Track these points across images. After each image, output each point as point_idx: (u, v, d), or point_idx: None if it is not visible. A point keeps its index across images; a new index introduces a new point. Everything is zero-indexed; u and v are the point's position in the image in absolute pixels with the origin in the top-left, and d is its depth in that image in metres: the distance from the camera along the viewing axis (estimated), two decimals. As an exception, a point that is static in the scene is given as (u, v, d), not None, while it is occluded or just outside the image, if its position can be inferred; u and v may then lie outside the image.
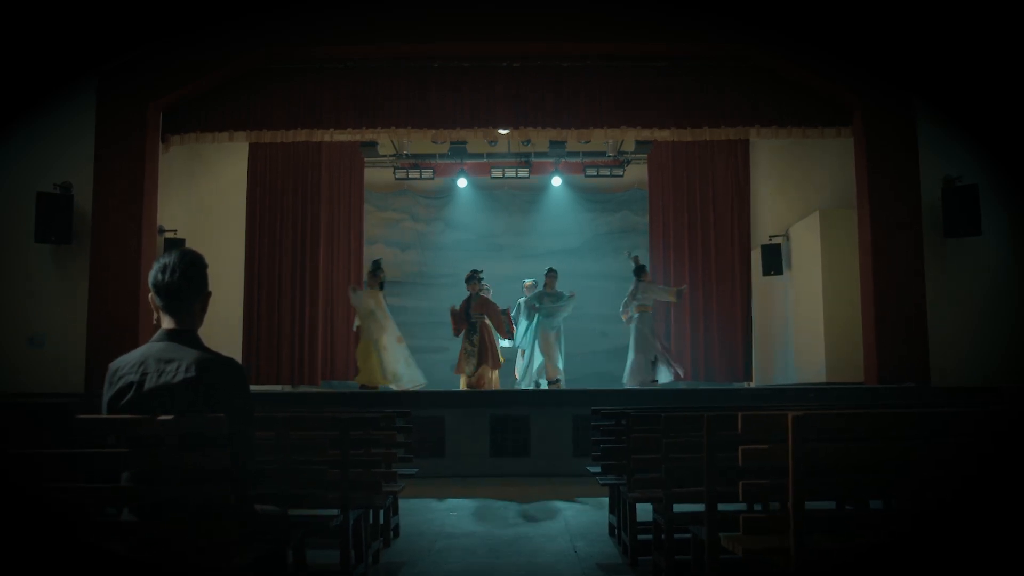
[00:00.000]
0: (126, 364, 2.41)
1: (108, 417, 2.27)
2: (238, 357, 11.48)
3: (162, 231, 10.99)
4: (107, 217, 9.08)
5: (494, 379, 10.38)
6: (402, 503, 5.95)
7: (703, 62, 9.81)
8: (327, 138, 10.46)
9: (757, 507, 4.15)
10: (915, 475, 2.37)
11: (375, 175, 13.14)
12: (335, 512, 3.51)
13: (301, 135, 9.91)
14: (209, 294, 2.55)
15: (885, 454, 2.28)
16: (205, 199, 12.02)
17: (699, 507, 3.81)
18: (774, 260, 11.74)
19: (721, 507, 2.98)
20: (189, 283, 2.46)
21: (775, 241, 11.81)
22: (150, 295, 2.49)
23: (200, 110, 9.77)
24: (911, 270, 9.15)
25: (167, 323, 2.48)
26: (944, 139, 9.31)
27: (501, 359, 10.49)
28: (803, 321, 11.35)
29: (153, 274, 2.47)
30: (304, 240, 12.13)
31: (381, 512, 4.77)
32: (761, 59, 9.61)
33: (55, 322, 9.01)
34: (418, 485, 7.31)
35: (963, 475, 2.41)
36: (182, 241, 11.16)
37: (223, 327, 11.53)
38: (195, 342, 2.45)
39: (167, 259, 2.48)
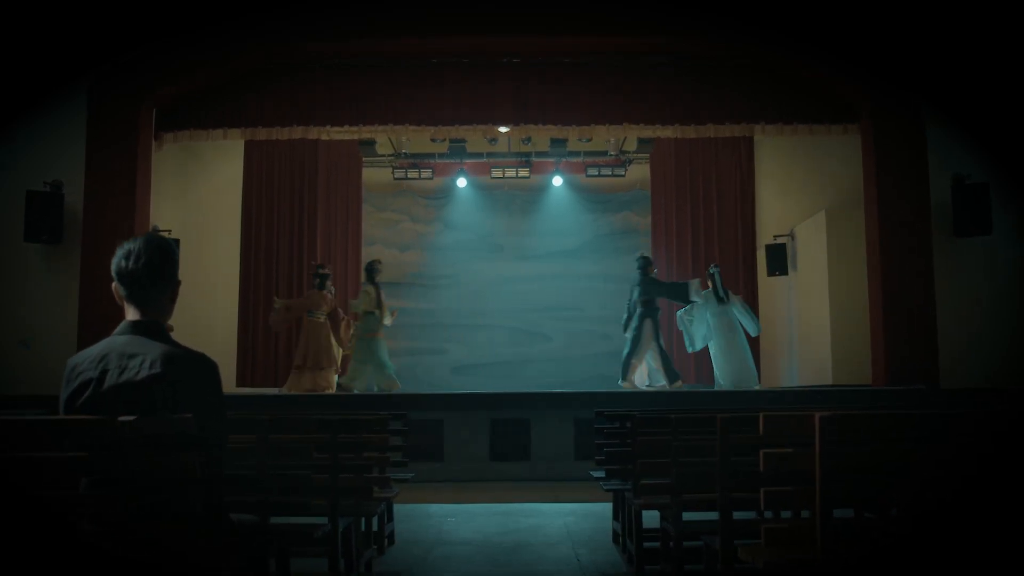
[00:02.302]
0: (85, 359, 2.20)
1: (61, 418, 2.06)
2: (233, 359, 11.29)
3: (156, 230, 10.81)
4: (99, 216, 8.89)
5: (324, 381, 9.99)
6: (398, 509, 5.75)
7: (707, 59, 9.62)
8: (324, 136, 10.27)
9: (767, 514, 3.95)
10: (953, 480, 2.17)
11: (373, 175, 12.95)
12: (324, 520, 3.31)
13: (297, 132, 9.73)
14: (179, 283, 2.34)
15: (921, 458, 2.08)
16: (201, 199, 11.84)
17: (705, 514, 3.62)
18: (779, 260, 11.54)
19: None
20: (156, 271, 2.25)
21: (780, 241, 11.62)
22: (113, 285, 2.28)
23: (193, 107, 9.59)
24: (919, 270, 8.96)
25: (132, 315, 2.26)
26: (953, 136, 9.12)
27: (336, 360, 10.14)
28: (809, 322, 11.16)
29: (116, 261, 2.26)
30: (301, 240, 11.93)
31: (374, 519, 4.56)
32: (766, 56, 9.43)
33: (46, 323, 8.83)
34: (415, 490, 7.12)
35: (1002, 479, 2.22)
36: (176, 241, 10.99)
37: (219, 328, 11.37)
38: (162, 335, 2.24)
39: (132, 245, 2.27)
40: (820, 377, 10.57)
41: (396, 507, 5.51)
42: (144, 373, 2.13)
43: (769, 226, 11.90)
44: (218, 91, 9.55)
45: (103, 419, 1.98)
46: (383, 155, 12.55)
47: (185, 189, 11.61)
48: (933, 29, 8.87)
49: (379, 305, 10.00)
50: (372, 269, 10.23)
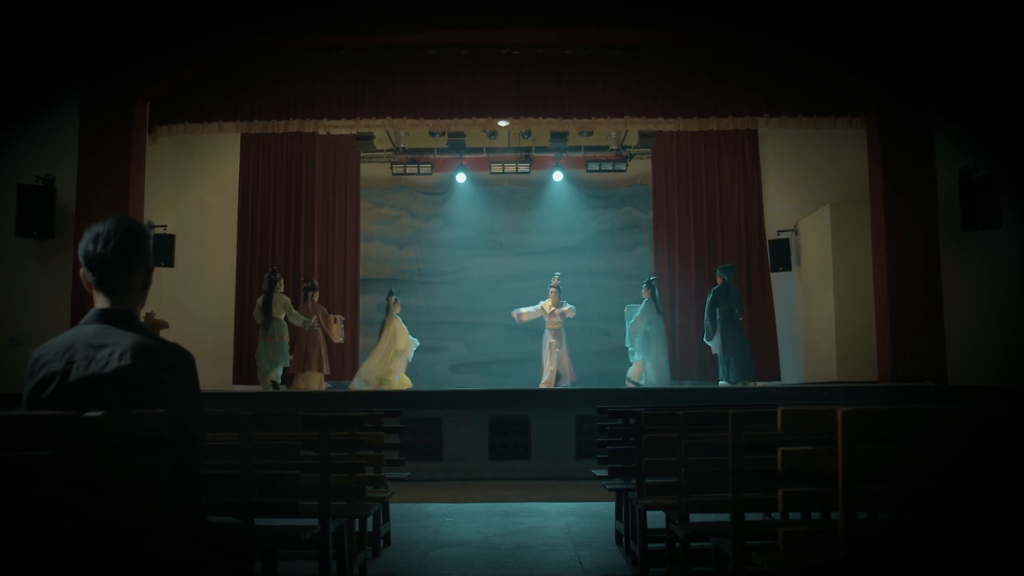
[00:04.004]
0: (50, 350, 2.05)
1: (21, 414, 1.89)
2: (229, 357, 11.13)
3: (151, 226, 10.69)
4: (91, 211, 8.72)
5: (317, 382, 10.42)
6: (395, 509, 5.60)
7: (710, 50, 9.48)
8: (321, 130, 10.09)
9: (775, 515, 3.80)
10: (984, 481, 2.02)
11: (372, 170, 12.78)
12: (314, 521, 3.15)
13: (293, 125, 9.58)
14: (151, 268, 2.18)
15: (955, 457, 1.93)
16: (197, 195, 11.68)
17: (712, 515, 3.48)
18: (782, 256, 11.40)
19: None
20: (127, 255, 2.09)
21: (783, 236, 11.47)
22: (81, 271, 2.13)
23: (188, 100, 9.46)
24: (926, 265, 8.82)
25: (101, 303, 2.10)
26: (960, 130, 8.96)
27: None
28: (813, 318, 11.02)
29: (84, 245, 2.10)
30: (298, 237, 11.74)
31: (369, 520, 4.41)
32: (770, 49, 9.27)
33: (38, 319, 8.69)
34: (413, 489, 6.99)
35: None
36: (171, 237, 10.86)
37: (215, 325, 11.23)
38: (133, 325, 2.07)
39: (100, 228, 2.10)
40: (824, 374, 10.43)
41: (393, 507, 5.37)
42: (113, 365, 1.97)
43: (772, 221, 11.75)
44: (213, 84, 9.41)
45: (68, 415, 1.83)
46: (381, 150, 12.39)
47: (181, 186, 11.46)
48: (938, 21, 8.71)
49: (264, 312, 10.04)
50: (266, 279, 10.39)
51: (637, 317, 11.00)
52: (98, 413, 1.82)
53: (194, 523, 2.06)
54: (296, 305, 10.49)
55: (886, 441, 2.04)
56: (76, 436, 1.81)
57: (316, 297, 10.61)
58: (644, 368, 10.90)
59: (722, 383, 10.19)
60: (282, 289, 10.27)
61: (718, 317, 10.26)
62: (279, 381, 10.08)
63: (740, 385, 9.94)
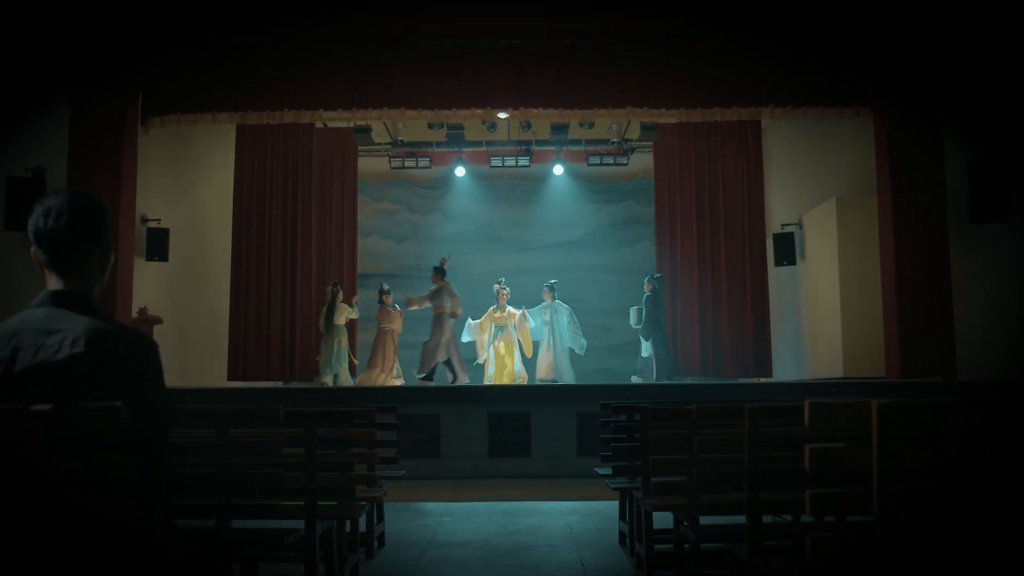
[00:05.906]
0: (-5, 337, 1.85)
1: (14, 408, 1.68)
2: (224, 352, 10.95)
3: (145, 220, 10.55)
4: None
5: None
6: (391, 508, 5.42)
7: (713, 41, 9.27)
8: (318, 121, 9.89)
9: (787, 516, 3.62)
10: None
11: (369, 164, 12.60)
12: (300, 523, 2.96)
13: (289, 116, 9.40)
14: (110, 249, 1.97)
15: (1003, 455, 1.75)
16: (192, 190, 11.51)
17: (715, 516, 3.29)
18: (787, 250, 11.21)
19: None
20: (81, 231, 1.88)
21: (788, 230, 11.28)
22: (32, 249, 1.93)
23: (182, 92, 9.28)
24: (934, 258, 8.64)
25: (53, 283, 1.90)
26: (965, 128, 8.76)
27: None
28: (818, 314, 10.83)
29: (34, 220, 1.89)
30: (295, 232, 11.54)
31: (361, 520, 4.22)
32: (772, 49, 9.06)
33: (27, 314, 8.49)
34: (410, 488, 6.80)
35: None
36: (165, 231, 10.69)
37: (210, 321, 11.05)
38: (88, 308, 1.86)
39: (52, 201, 1.90)
40: (830, 370, 10.25)
41: (389, 506, 5.19)
42: (64, 352, 1.77)
43: (776, 215, 11.56)
44: (206, 75, 9.22)
45: (13, 408, 1.64)
46: (379, 143, 12.21)
47: (176, 180, 11.30)
48: (939, 19, 8.50)
49: (327, 321, 10.63)
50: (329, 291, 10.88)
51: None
52: (46, 406, 1.63)
53: (158, 528, 1.87)
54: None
55: (921, 438, 1.86)
56: (21, 431, 1.62)
57: (390, 300, 10.94)
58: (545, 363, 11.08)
59: (634, 378, 10.77)
60: (342, 298, 10.73)
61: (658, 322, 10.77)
62: (334, 382, 10.39)
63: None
